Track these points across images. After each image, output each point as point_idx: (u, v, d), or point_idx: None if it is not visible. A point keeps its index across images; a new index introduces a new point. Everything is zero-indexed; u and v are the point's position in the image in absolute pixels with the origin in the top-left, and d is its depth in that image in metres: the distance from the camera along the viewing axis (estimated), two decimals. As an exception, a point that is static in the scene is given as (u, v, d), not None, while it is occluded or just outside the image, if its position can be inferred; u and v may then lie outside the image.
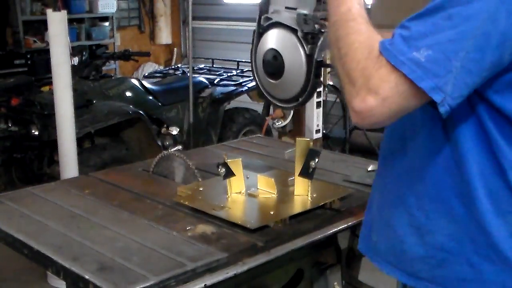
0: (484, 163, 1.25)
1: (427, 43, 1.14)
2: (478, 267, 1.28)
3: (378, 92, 1.16)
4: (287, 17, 1.64)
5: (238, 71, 5.59)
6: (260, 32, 1.71)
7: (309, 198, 1.92)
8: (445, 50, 1.13)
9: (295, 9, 1.64)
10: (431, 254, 1.33)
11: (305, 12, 1.62)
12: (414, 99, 1.17)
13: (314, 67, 1.58)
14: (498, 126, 1.23)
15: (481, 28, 1.12)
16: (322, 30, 1.58)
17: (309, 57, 1.58)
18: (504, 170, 1.24)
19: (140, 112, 4.45)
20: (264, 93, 1.78)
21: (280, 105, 1.79)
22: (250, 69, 1.85)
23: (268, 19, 1.68)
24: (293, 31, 1.61)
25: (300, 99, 1.66)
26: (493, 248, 1.26)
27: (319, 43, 1.56)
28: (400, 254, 1.39)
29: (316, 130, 4.11)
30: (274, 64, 1.65)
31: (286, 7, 1.66)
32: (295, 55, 1.61)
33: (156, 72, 6.23)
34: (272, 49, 1.66)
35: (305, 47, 1.57)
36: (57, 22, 3.44)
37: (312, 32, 1.57)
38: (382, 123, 1.22)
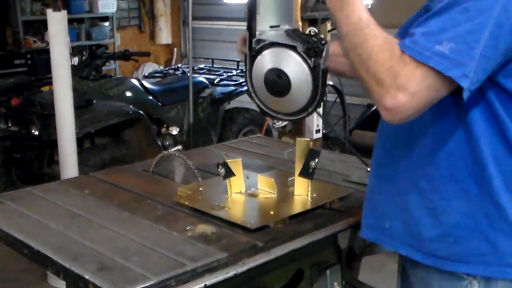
0: (496, 143, 1.35)
1: (448, 36, 1.23)
2: (493, 241, 1.38)
3: (407, 88, 1.24)
4: (278, 36, 1.65)
5: (238, 71, 5.57)
6: (253, 55, 1.72)
7: (309, 198, 1.92)
8: (467, 41, 1.22)
9: (278, 26, 1.68)
10: (448, 233, 1.41)
11: (288, 27, 1.66)
12: (441, 89, 1.26)
13: (321, 77, 1.60)
14: (507, 108, 1.34)
15: (496, 18, 1.22)
16: (323, 42, 1.59)
17: (313, 69, 1.59)
18: None
19: (140, 112, 4.45)
20: (268, 111, 1.79)
21: (287, 118, 1.80)
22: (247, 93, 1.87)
23: (261, 41, 1.69)
24: (291, 47, 1.62)
25: (310, 109, 1.68)
26: (506, 221, 1.36)
27: (323, 54, 1.58)
28: (417, 235, 1.46)
29: (316, 130, 4.11)
30: (279, 83, 1.65)
31: (271, 26, 1.69)
32: (299, 70, 1.61)
33: (156, 72, 6.23)
34: (274, 68, 1.66)
35: (308, 60, 1.59)
36: (57, 22, 3.44)
37: (314, 46, 1.58)
38: (411, 117, 1.30)
